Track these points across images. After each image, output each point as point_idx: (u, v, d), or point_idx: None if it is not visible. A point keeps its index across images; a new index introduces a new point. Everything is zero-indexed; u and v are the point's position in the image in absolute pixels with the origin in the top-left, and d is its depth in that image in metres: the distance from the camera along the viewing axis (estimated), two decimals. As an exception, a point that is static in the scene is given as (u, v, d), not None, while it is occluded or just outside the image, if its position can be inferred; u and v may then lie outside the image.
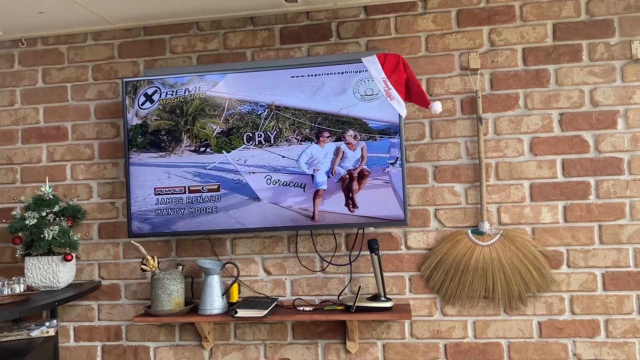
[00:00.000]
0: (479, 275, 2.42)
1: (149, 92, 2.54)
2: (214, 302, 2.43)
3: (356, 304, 2.32)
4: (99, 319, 2.75)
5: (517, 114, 2.48)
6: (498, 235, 2.43)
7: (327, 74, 2.41)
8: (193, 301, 2.57)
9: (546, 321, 2.43)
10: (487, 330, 2.46)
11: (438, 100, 2.36)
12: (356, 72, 2.39)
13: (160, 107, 2.53)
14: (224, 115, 2.48)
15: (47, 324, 2.49)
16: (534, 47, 2.48)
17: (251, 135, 2.46)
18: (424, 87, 2.51)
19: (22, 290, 2.29)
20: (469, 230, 2.47)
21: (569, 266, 2.42)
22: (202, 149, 2.50)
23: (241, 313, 2.34)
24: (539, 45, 2.48)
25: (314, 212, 2.41)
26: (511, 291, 2.40)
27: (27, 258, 2.49)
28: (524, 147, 2.47)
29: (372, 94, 2.39)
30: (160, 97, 2.53)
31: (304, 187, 2.42)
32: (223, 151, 2.48)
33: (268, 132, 2.45)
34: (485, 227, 2.44)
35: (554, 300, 2.42)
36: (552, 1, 2.47)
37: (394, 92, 2.27)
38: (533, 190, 2.46)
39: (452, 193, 2.51)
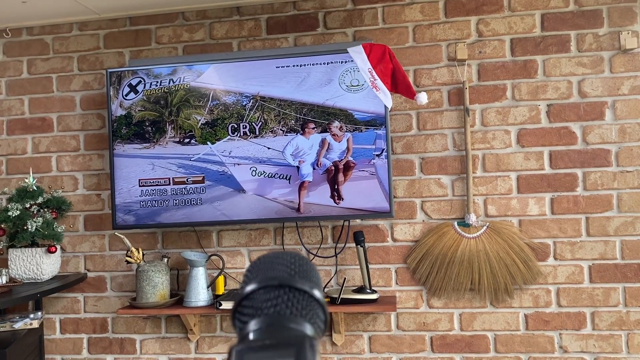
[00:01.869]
0: (465, 267, 2.41)
1: (133, 82, 2.51)
2: (199, 294, 2.42)
3: (341, 296, 2.31)
4: (85, 311, 2.74)
5: (504, 105, 2.46)
6: (484, 227, 2.42)
7: (313, 64, 2.38)
8: (179, 293, 2.55)
9: (532, 313, 2.42)
10: (473, 323, 2.45)
11: (425, 91, 2.35)
12: (342, 62, 2.36)
13: (145, 98, 2.51)
14: (208, 106, 2.46)
15: (31, 315, 2.48)
16: (522, 37, 2.46)
17: (236, 126, 2.44)
18: (411, 78, 2.49)
19: (4, 282, 2.27)
20: (456, 222, 2.45)
21: (555, 258, 2.41)
22: (187, 140, 2.48)
23: (226, 305, 2.33)
24: (527, 35, 2.45)
25: (299, 204, 2.39)
26: (497, 283, 2.39)
27: (10, 250, 2.48)
28: (511, 138, 2.45)
29: (357, 85, 2.36)
30: (144, 87, 2.51)
31: (289, 179, 2.40)
32: (208, 142, 2.46)
33: (253, 123, 2.42)
34: (472, 219, 2.43)
35: (541, 293, 2.41)
36: (541, -9, 2.45)
37: (379, 82, 2.25)
38: (520, 182, 2.44)
39: (439, 185, 2.50)
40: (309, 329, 0.50)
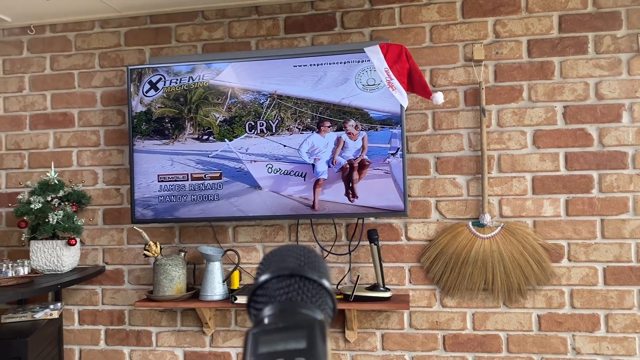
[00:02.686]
0: (478, 267, 2.42)
1: (154, 79, 2.56)
2: (215, 289, 2.46)
3: (355, 294, 2.33)
4: (103, 303, 2.80)
5: (520, 106, 2.46)
6: (499, 228, 2.43)
7: (330, 63, 2.41)
8: (195, 287, 2.60)
9: (546, 314, 2.42)
10: (486, 322, 2.46)
11: (441, 91, 2.35)
12: (358, 62, 2.39)
13: (165, 95, 2.55)
14: (226, 103, 2.50)
15: (51, 306, 2.54)
16: (539, 39, 2.46)
17: (253, 124, 2.47)
18: (427, 78, 2.50)
19: (26, 272, 2.33)
20: (470, 222, 2.46)
21: (569, 260, 2.41)
22: (205, 137, 2.52)
23: (241, 299, 2.37)
24: (544, 37, 2.46)
25: (314, 201, 2.42)
26: (511, 284, 2.40)
27: (32, 242, 2.54)
28: (527, 139, 2.45)
29: (374, 84, 2.38)
30: (164, 85, 2.55)
31: (304, 176, 2.43)
32: (225, 139, 2.50)
33: (270, 121, 2.46)
34: (486, 219, 2.44)
35: (554, 294, 2.41)
36: (559, -8, 2.45)
37: (396, 82, 2.27)
38: (535, 183, 2.44)
39: (454, 185, 2.51)
40: (319, 315, 0.54)
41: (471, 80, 2.50)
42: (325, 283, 0.57)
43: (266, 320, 0.52)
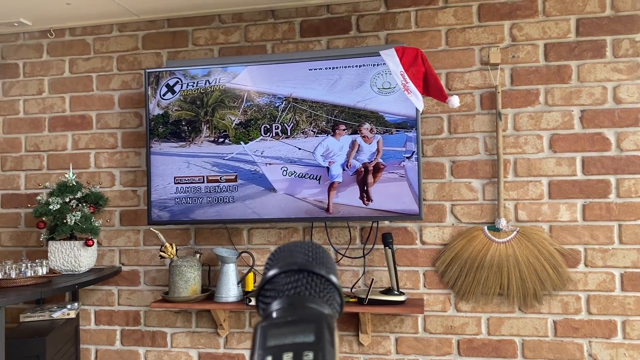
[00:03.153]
0: (494, 272, 2.41)
1: (171, 83, 2.59)
2: (230, 290, 2.47)
3: (369, 297, 2.33)
4: (119, 304, 2.82)
5: (537, 110, 2.45)
6: (514, 232, 2.41)
7: (345, 67, 2.42)
8: (209, 289, 2.61)
9: (561, 320, 2.40)
10: (501, 327, 2.45)
11: (457, 94, 2.35)
12: (374, 65, 2.39)
13: (181, 98, 2.58)
14: (242, 106, 2.52)
15: (68, 306, 2.57)
16: (556, 42, 2.44)
17: (268, 126, 2.49)
18: (443, 82, 2.50)
19: (44, 272, 2.36)
20: (485, 227, 2.45)
21: (586, 265, 2.39)
22: (221, 139, 2.54)
23: (254, 300, 2.37)
24: (562, 40, 2.44)
25: (328, 204, 2.43)
26: (526, 289, 2.38)
27: (50, 242, 2.58)
28: (544, 143, 2.44)
29: (389, 88, 2.39)
30: (181, 88, 2.58)
31: (319, 179, 2.44)
32: (241, 142, 2.52)
33: (285, 124, 2.47)
34: (502, 223, 2.42)
35: (570, 300, 2.39)
36: (576, -4, 2.43)
37: (411, 85, 2.27)
38: (551, 187, 2.43)
39: (469, 189, 2.50)
40: (327, 309, 0.54)
41: (487, 83, 2.49)
42: (333, 278, 0.58)
43: (274, 314, 0.53)
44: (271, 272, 0.58)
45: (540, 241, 2.39)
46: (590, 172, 2.40)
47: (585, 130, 2.41)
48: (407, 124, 2.37)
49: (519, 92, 2.47)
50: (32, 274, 2.31)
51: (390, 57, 2.29)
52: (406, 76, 2.27)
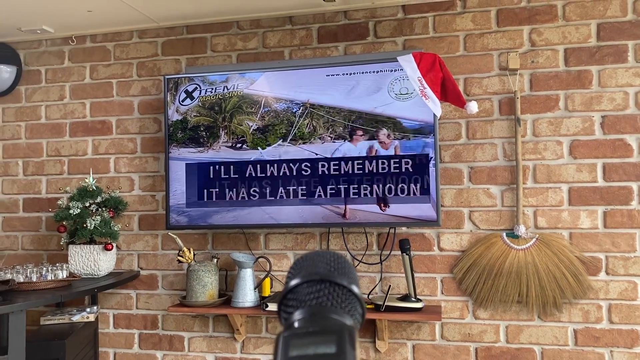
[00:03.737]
0: (512, 279, 2.38)
1: (190, 89, 2.61)
2: (247, 295, 2.48)
3: (386, 304, 2.32)
4: (137, 308, 2.85)
5: (556, 116, 2.42)
6: (534, 239, 2.38)
7: (362, 72, 2.42)
8: (227, 293, 2.62)
9: (582, 329, 2.36)
10: (519, 336, 2.42)
11: (475, 100, 2.34)
12: (391, 70, 2.39)
13: (200, 104, 2.60)
14: (260, 112, 2.53)
15: (87, 309, 2.60)
16: (576, 47, 2.42)
17: (286, 132, 2.49)
18: (461, 87, 2.49)
19: (64, 276, 2.39)
20: (504, 234, 2.43)
21: (607, 273, 2.35)
22: (239, 145, 2.55)
23: (272, 307, 2.38)
24: (582, 45, 2.41)
25: (345, 210, 2.42)
26: (546, 297, 2.35)
27: (70, 246, 2.61)
28: (564, 149, 2.41)
29: (406, 93, 2.38)
30: (200, 94, 2.60)
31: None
32: (258, 147, 2.53)
33: (302, 130, 2.48)
34: (521, 230, 2.40)
35: (591, 308, 2.36)
36: (597, 0, 2.40)
37: (429, 91, 2.26)
38: (572, 194, 2.40)
39: (488, 195, 2.48)
40: (348, 320, 0.54)
41: (506, 89, 2.47)
42: (355, 289, 0.58)
43: (296, 324, 0.53)
44: (293, 282, 0.58)
45: (560, 248, 2.36)
46: (611, 179, 2.36)
47: (606, 136, 2.37)
48: (424, 130, 2.36)
49: (539, 97, 2.44)
50: (53, 278, 2.34)
51: (408, 63, 2.29)
52: (424, 82, 2.26)
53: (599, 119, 2.38)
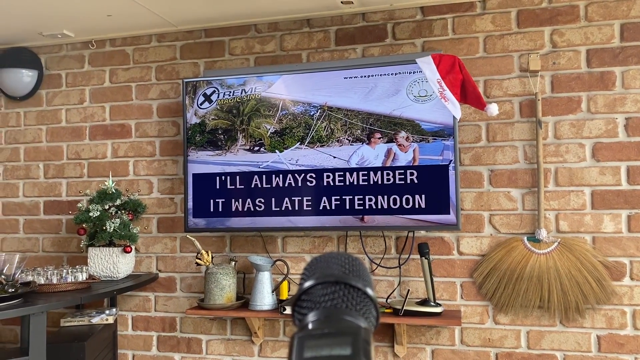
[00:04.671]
0: (534, 283, 2.34)
1: (208, 92, 2.62)
2: (264, 298, 2.48)
3: (405, 308, 2.29)
4: (155, 310, 2.86)
5: (579, 118, 2.38)
6: (555, 244, 2.34)
7: (381, 75, 2.40)
8: (244, 296, 2.62)
9: (606, 335, 2.32)
10: (541, 341, 2.38)
11: (496, 102, 2.31)
12: (410, 73, 2.37)
13: (218, 107, 2.60)
14: (278, 115, 2.53)
15: (107, 312, 2.62)
16: (599, 48, 2.38)
17: (303, 135, 2.49)
18: (481, 89, 2.46)
19: (84, 278, 2.41)
20: (525, 237, 2.39)
21: (632, 278, 2.30)
22: (256, 148, 2.55)
23: (290, 310, 2.37)
24: (605, 46, 2.37)
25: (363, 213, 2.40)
26: (568, 302, 2.31)
27: (90, 248, 2.63)
28: (586, 152, 2.37)
29: (425, 95, 2.36)
30: (218, 97, 2.61)
31: (354, 188, 2.42)
32: (276, 150, 2.52)
33: (320, 133, 2.47)
34: (543, 234, 2.36)
35: (615, 314, 2.31)
36: (621, 0, 2.36)
37: (448, 93, 2.24)
38: (594, 197, 2.35)
39: (508, 198, 2.44)
40: (363, 322, 0.54)
41: (527, 91, 2.44)
42: (370, 291, 0.57)
43: (310, 326, 0.53)
44: (308, 283, 0.57)
45: (583, 253, 2.31)
46: (636, 182, 2.31)
47: (630, 138, 2.33)
48: (444, 132, 2.34)
49: (560, 99, 2.41)
50: (73, 280, 2.36)
51: (427, 65, 2.27)
52: (443, 84, 2.24)
53: (623, 120, 2.34)
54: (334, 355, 0.48)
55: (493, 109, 2.19)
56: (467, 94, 2.25)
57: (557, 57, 2.42)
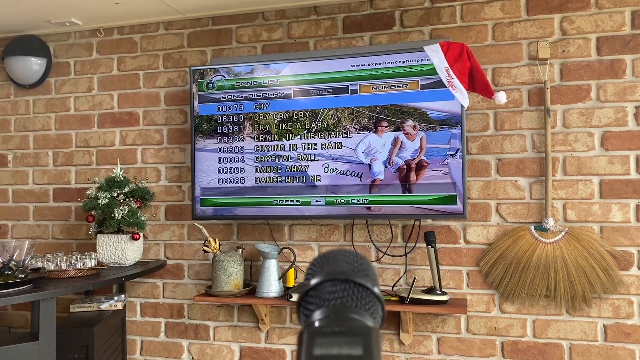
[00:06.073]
0: (540, 273, 2.34)
1: (215, 80, 2.62)
2: (271, 286, 2.49)
3: (411, 296, 2.30)
4: (164, 297, 2.89)
5: (588, 106, 2.36)
6: (563, 233, 2.34)
7: (388, 62, 2.39)
8: (251, 284, 2.64)
9: (612, 324, 2.31)
10: (547, 330, 2.38)
11: (504, 90, 2.29)
12: (418, 61, 2.35)
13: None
14: (285, 103, 2.52)
15: (115, 298, 2.65)
16: (609, 36, 2.35)
17: (310, 123, 2.48)
18: (489, 77, 2.44)
19: (93, 265, 2.44)
20: (532, 227, 2.39)
21: (639, 268, 2.29)
22: (263, 136, 2.55)
23: (296, 297, 2.38)
24: (615, 34, 2.34)
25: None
26: (575, 291, 2.30)
27: (99, 235, 2.65)
28: (595, 141, 2.35)
29: (433, 83, 2.34)
30: (225, 85, 2.60)
31: (360, 177, 2.42)
32: (283, 139, 2.52)
33: (327, 121, 2.46)
34: (550, 223, 2.35)
35: (622, 303, 2.30)
36: (632, -13, 2.33)
37: (456, 81, 2.22)
38: (603, 186, 2.34)
39: (516, 187, 2.43)
40: (370, 321, 0.54)
41: (535, 79, 2.42)
42: (377, 291, 0.58)
43: (319, 323, 0.53)
44: (316, 280, 0.57)
45: (590, 242, 2.30)
46: (645, 171, 2.29)
47: (640, 127, 2.31)
48: (451, 121, 2.33)
49: (569, 87, 2.39)
50: (82, 266, 2.38)
51: (435, 53, 2.25)
52: (451, 72, 2.23)
53: (633, 109, 2.32)
54: (344, 354, 0.48)
55: (501, 97, 2.17)
56: (475, 82, 2.24)
57: (566, 44, 2.40)
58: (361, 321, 0.53)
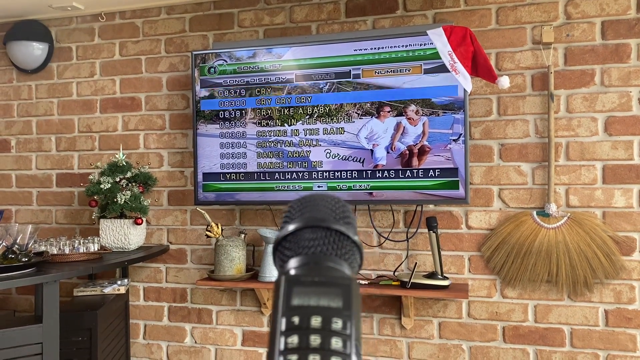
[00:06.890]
0: (542, 258, 2.34)
1: (217, 65, 2.61)
2: (273, 270, 2.50)
3: (412, 281, 2.31)
4: (167, 281, 2.90)
5: (592, 91, 2.35)
6: (565, 218, 2.33)
7: (391, 47, 2.37)
8: (254, 268, 2.65)
9: (614, 310, 2.32)
10: (548, 315, 2.38)
11: (507, 75, 2.27)
12: (421, 45, 2.34)
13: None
14: (286, 88, 2.51)
15: (118, 282, 2.66)
16: (614, 20, 2.32)
17: (313, 108, 2.48)
18: (493, 62, 2.43)
19: (96, 249, 2.45)
20: (534, 212, 2.38)
21: (641, 254, 2.29)
22: (265, 121, 2.55)
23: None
24: (621, 18, 2.32)
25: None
26: (576, 276, 2.31)
27: (101, 220, 2.66)
28: (598, 126, 2.34)
29: (436, 68, 2.33)
30: (227, 70, 2.59)
31: (362, 162, 2.42)
32: (285, 124, 2.52)
33: (329, 106, 2.45)
34: (552, 209, 2.34)
35: (623, 289, 2.30)
36: (638, -31, 2.30)
37: (459, 65, 2.21)
38: (606, 172, 2.33)
39: (518, 172, 2.43)
40: (347, 269, 0.52)
41: (539, 63, 2.40)
42: (357, 239, 0.55)
43: (296, 271, 0.50)
44: (294, 225, 0.54)
45: (593, 227, 2.30)
46: (648, 157, 2.28)
47: (644, 112, 2.29)
48: (454, 106, 2.32)
49: (573, 72, 2.37)
50: (85, 251, 2.40)
51: (438, 37, 2.24)
52: (454, 56, 2.21)
53: (637, 94, 2.30)
54: (323, 306, 0.46)
55: (504, 81, 2.16)
56: (479, 67, 2.22)
57: (571, 29, 2.37)
58: (341, 271, 0.51)
